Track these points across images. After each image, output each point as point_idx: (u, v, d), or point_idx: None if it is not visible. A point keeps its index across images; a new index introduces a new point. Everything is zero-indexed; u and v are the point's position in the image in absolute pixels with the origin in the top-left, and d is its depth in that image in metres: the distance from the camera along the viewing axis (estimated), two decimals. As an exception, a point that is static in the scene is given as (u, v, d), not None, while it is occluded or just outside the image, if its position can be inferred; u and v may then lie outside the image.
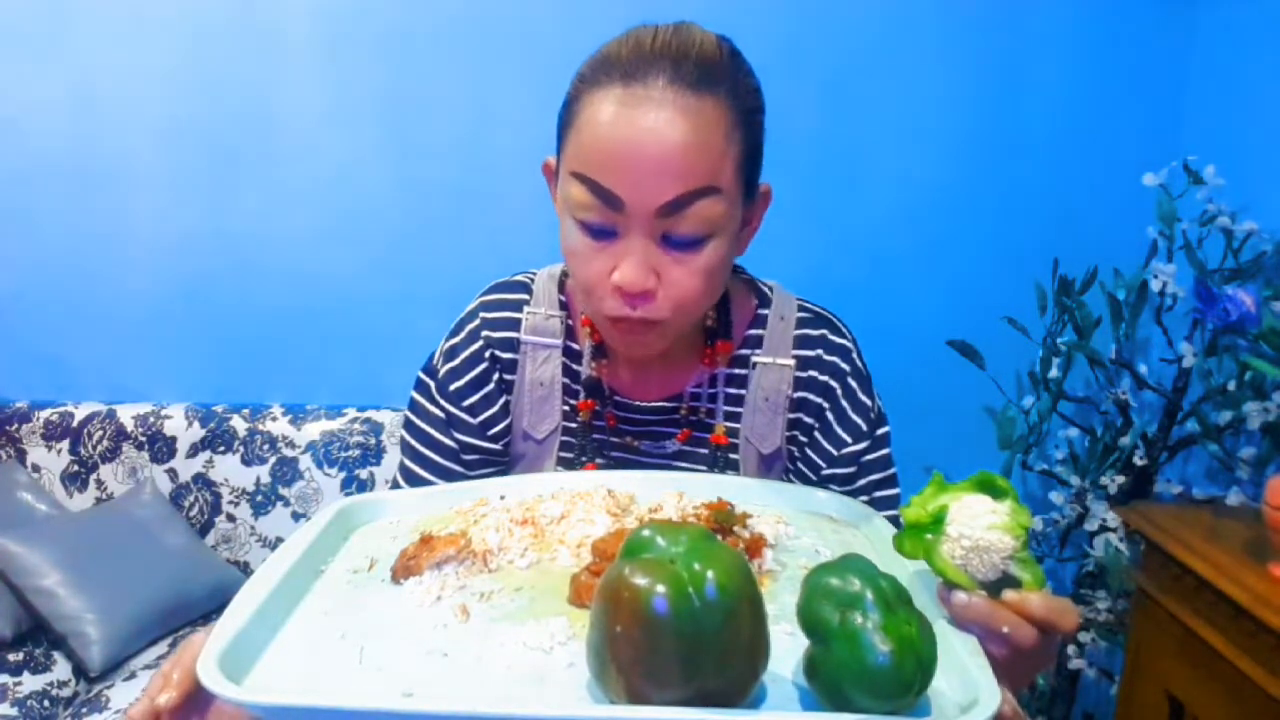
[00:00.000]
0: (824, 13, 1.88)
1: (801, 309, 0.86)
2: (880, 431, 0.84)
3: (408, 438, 0.87)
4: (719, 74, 0.67)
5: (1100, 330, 1.74)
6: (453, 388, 0.84)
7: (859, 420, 0.83)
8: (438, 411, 0.85)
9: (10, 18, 1.94)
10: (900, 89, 1.90)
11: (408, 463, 0.86)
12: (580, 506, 0.70)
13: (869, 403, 0.84)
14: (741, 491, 0.75)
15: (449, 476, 0.84)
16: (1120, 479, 1.70)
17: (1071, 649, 1.79)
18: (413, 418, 0.87)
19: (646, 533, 0.47)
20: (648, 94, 0.65)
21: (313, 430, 2.01)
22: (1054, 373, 1.79)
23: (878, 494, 0.83)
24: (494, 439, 0.85)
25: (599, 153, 0.66)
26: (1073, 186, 1.92)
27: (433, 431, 0.85)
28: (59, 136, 2.00)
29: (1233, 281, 1.55)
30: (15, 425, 2.02)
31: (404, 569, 0.62)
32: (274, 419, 2.03)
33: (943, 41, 1.88)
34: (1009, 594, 0.53)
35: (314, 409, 2.05)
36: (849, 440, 0.83)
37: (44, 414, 2.03)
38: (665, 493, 0.73)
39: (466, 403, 0.84)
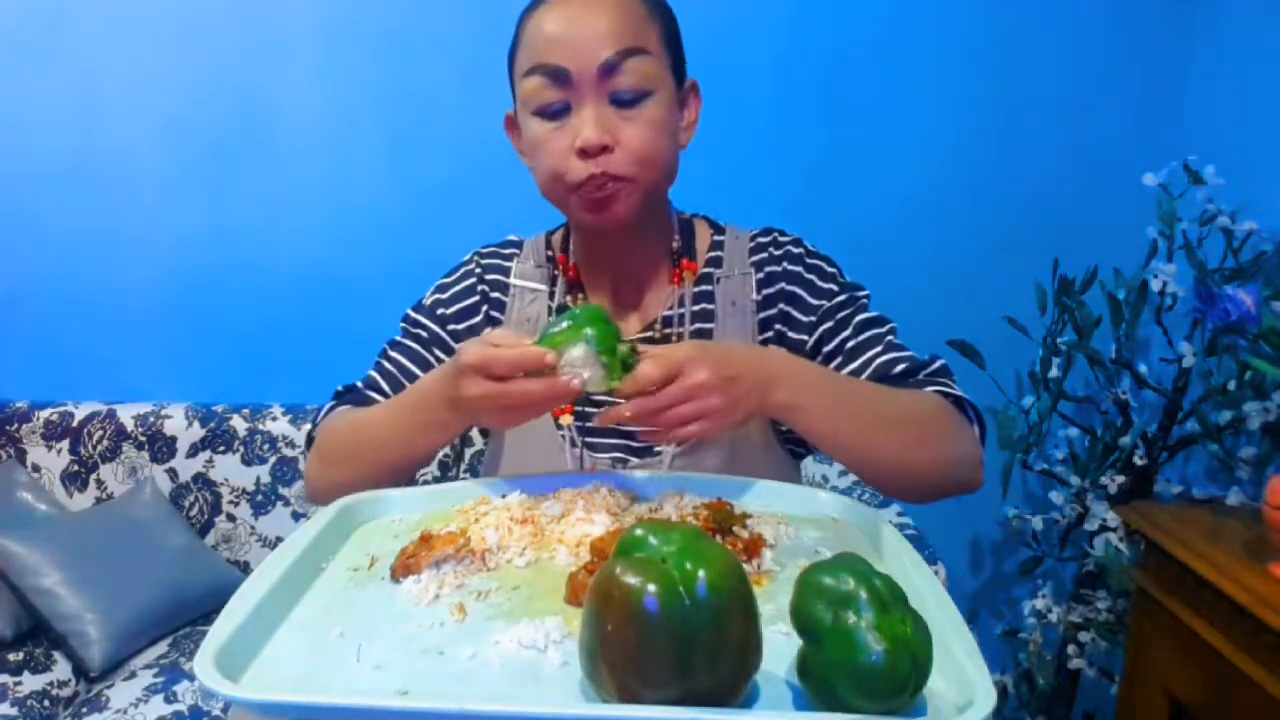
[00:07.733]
0: (824, 13, 1.87)
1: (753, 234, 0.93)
2: (860, 294, 0.88)
3: (386, 353, 0.91)
4: None
5: (1100, 330, 1.74)
6: (440, 311, 0.91)
7: (828, 285, 0.87)
8: (422, 332, 0.91)
9: (10, 18, 1.95)
10: (900, 89, 1.90)
11: (381, 367, 0.90)
12: (580, 506, 0.70)
13: (834, 270, 0.89)
14: (742, 492, 0.75)
15: None
16: (1120, 479, 1.70)
17: (1071, 649, 1.78)
18: (396, 339, 0.92)
19: (639, 532, 0.48)
20: None
21: (313, 430, 2.01)
22: (1054, 372, 1.78)
23: (870, 332, 0.85)
24: None
25: (541, 42, 0.77)
26: (1073, 186, 1.92)
27: (416, 346, 0.90)
28: (59, 136, 2.00)
29: (1233, 281, 1.55)
30: (15, 425, 2.03)
31: (403, 567, 0.62)
32: (274, 419, 2.03)
33: (943, 41, 1.88)
34: (625, 381, 0.66)
35: (314, 409, 2.05)
36: (825, 302, 0.87)
37: (44, 414, 2.03)
38: (665, 492, 0.74)
39: (451, 326, 0.91)
